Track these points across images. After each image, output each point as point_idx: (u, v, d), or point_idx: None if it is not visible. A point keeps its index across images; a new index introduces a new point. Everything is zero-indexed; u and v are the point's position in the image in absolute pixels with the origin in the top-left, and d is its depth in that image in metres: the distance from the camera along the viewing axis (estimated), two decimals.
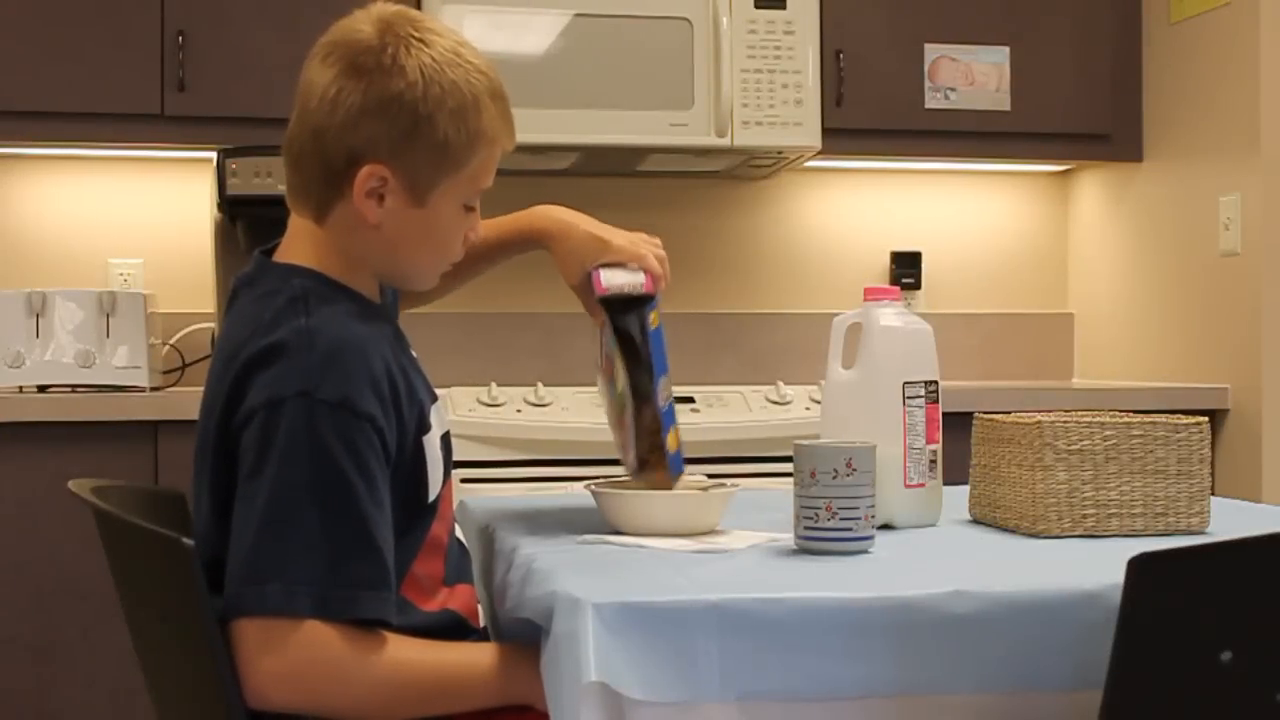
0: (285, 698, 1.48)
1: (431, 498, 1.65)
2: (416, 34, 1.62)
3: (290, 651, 1.47)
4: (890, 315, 1.92)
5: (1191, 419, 1.82)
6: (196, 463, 1.64)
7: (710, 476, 2.01)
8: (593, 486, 1.83)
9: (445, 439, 1.71)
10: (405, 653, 1.53)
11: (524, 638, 1.53)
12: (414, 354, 1.75)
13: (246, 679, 1.48)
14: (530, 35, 3.38)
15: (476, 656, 1.58)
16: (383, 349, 1.60)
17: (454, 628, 1.68)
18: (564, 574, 1.49)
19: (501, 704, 1.56)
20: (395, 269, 1.71)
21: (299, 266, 1.67)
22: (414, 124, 1.59)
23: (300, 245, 1.71)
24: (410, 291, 1.84)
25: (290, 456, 1.49)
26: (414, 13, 1.66)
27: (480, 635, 1.73)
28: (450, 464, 1.72)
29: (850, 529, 1.63)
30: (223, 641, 1.48)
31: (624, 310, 1.83)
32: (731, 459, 3.15)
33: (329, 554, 1.48)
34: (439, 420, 1.70)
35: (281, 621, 1.47)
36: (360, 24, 1.63)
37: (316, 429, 1.49)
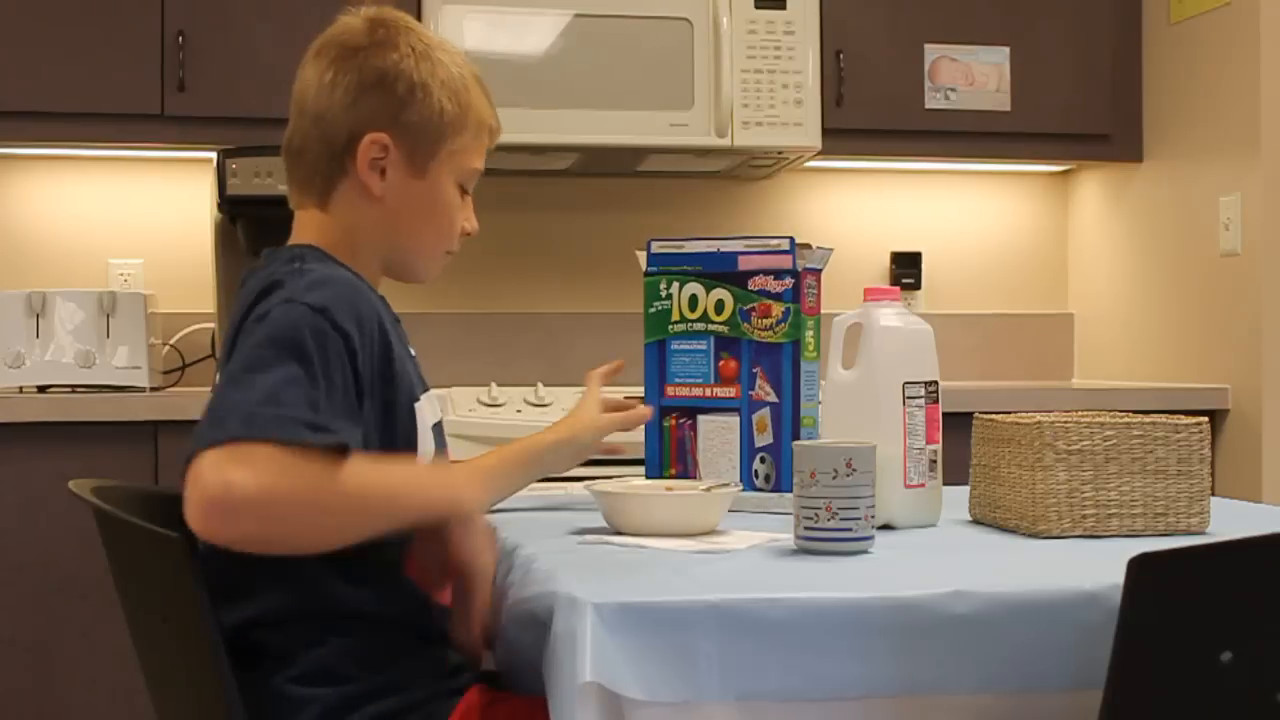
0: (252, 506, 1.40)
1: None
2: (403, 23, 1.72)
3: (263, 460, 1.40)
4: (890, 315, 1.92)
5: (1191, 419, 1.82)
6: None
7: None
8: (593, 486, 1.83)
9: (438, 428, 1.73)
10: (359, 465, 1.49)
11: (525, 640, 1.53)
12: (412, 351, 1.75)
13: (200, 504, 1.39)
14: (530, 35, 3.38)
15: (426, 468, 1.63)
16: (373, 301, 1.63)
17: (422, 601, 1.68)
18: (564, 574, 1.49)
19: (448, 511, 1.57)
20: (398, 249, 1.73)
21: (301, 243, 1.73)
22: (410, 91, 1.67)
23: (304, 231, 1.75)
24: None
25: (269, 337, 1.49)
26: (397, 11, 1.74)
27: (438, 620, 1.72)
28: (444, 453, 1.74)
29: (850, 529, 1.63)
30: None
31: None
32: None
33: (292, 399, 1.45)
34: (430, 407, 1.72)
35: (242, 445, 1.40)
36: (348, 20, 1.73)
37: (295, 323, 1.51)
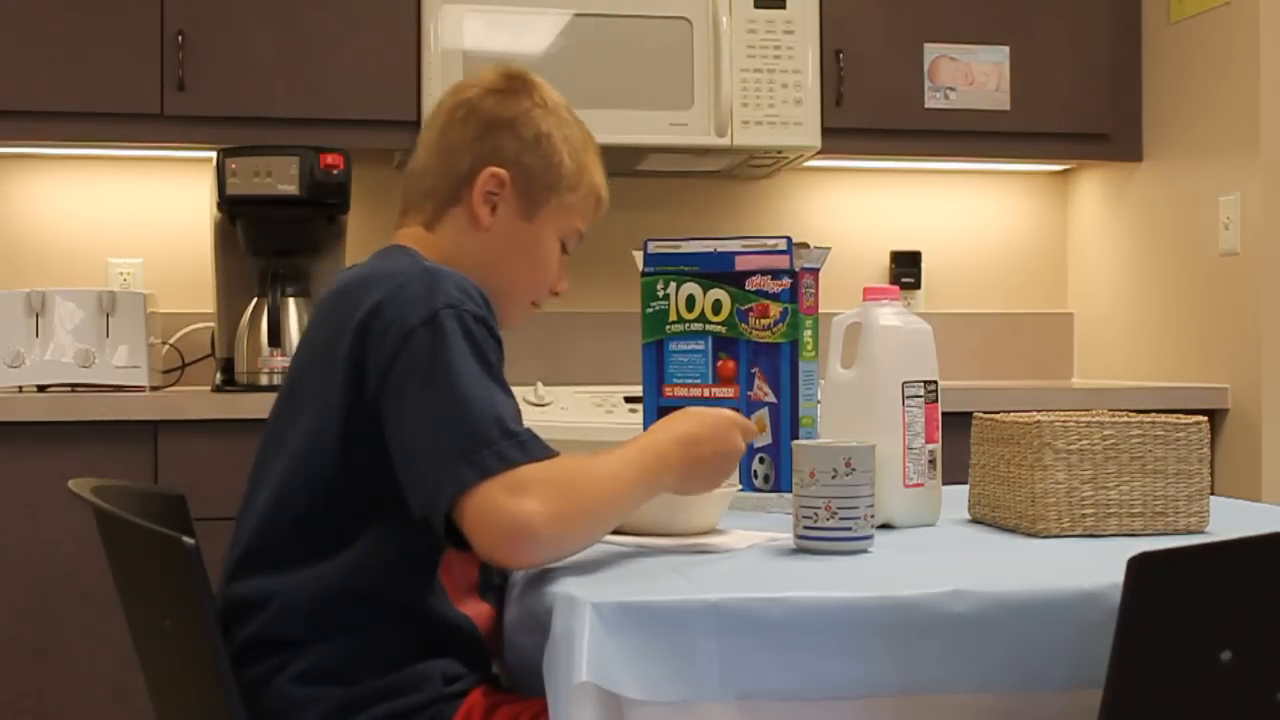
0: (552, 522, 1.48)
1: None
2: (535, 80, 1.84)
3: (539, 484, 1.48)
4: (890, 315, 1.92)
5: (1191, 419, 1.82)
6: (286, 411, 1.68)
7: None
8: None
9: None
10: (594, 463, 1.57)
11: (527, 642, 1.53)
12: None
13: (506, 541, 1.47)
14: (530, 35, 3.38)
15: (640, 441, 1.62)
16: (490, 305, 1.67)
17: (469, 640, 1.69)
18: (563, 573, 1.50)
19: (682, 485, 1.64)
20: (488, 286, 1.73)
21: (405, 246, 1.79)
22: (536, 138, 1.79)
23: (406, 243, 1.81)
24: None
25: (463, 352, 1.55)
26: (530, 71, 1.86)
27: (484, 663, 1.73)
28: None
29: (849, 528, 1.63)
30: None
31: None
32: None
33: (517, 415, 1.55)
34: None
35: (509, 473, 1.48)
36: (484, 72, 1.85)
37: (471, 332, 1.57)
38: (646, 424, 2.08)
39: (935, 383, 1.93)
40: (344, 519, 1.61)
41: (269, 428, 1.71)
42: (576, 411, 3.22)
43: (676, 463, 1.62)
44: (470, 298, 1.60)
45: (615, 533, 1.75)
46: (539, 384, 3.31)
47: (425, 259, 1.70)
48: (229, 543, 1.70)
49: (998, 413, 1.95)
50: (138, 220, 3.67)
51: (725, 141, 3.44)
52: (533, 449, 1.52)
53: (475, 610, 1.73)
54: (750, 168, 3.75)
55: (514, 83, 1.82)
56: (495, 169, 1.77)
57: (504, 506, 1.47)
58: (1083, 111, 3.75)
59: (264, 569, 1.62)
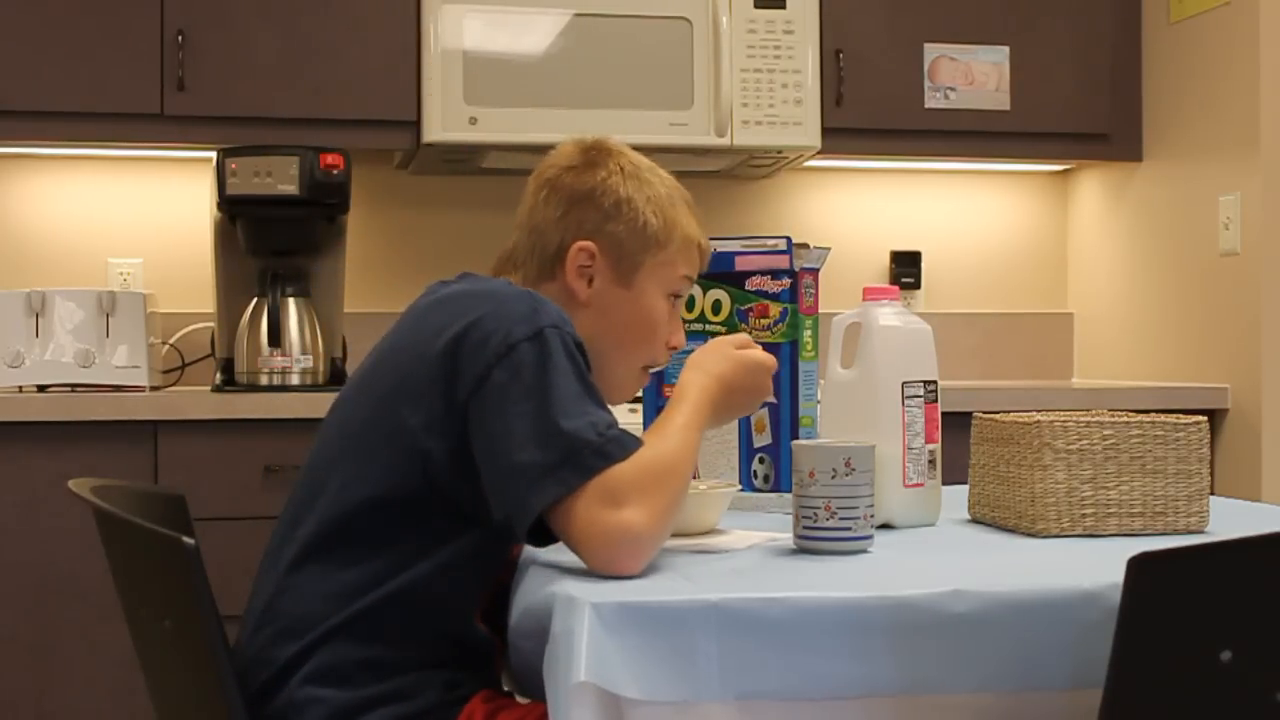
0: (653, 523, 1.52)
1: None
2: (615, 147, 1.86)
3: (636, 487, 1.53)
4: (889, 315, 1.92)
5: (1191, 419, 1.82)
6: (349, 401, 1.72)
7: None
8: None
9: None
10: (663, 442, 1.61)
11: (528, 645, 1.53)
12: None
13: (617, 542, 1.50)
14: (530, 35, 3.38)
15: (687, 392, 1.69)
16: None
17: (485, 655, 1.71)
18: (563, 573, 1.50)
19: (718, 418, 1.73)
20: (599, 357, 1.75)
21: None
22: (616, 206, 1.79)
23: None
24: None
25: (566, 368, 1.59)
26: (612, 138, 1.88)
27: (490, 679, 1.74)
28: None
29: (849, 528, 1.63)
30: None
31: None
32: None
33: (606, 416, 1.59)
34: None
35: (604, 477, 1.52)
36: (564, 146, 1.87)
37: (573, 352, 1.62)
38: (646, 424, 2.08)
39: (935, 383, 1.93)
40: (417, 526, 1.62)
41: (333, 425, 1.72)
42: None
43: (718, 402, 1.70)
44: (569, 323, 1.64)
45: None
46: None
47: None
48: (280, 534, 1.71)
49: (998, 413, 1.95)
50: (138, 220, 3.67)
51: (725, 141, 3.44)
52: (627, 443, 1.56)
53: (485, 630, 1.74)
54: (750, 168, 3.75)
55: (590, 154, 1.83)
56: (583, 243, 1.78)
57: (607, 520, 1.50)
58: (1083, 111, 3.74)
59: (316, 565, 1.63)
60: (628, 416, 3.17)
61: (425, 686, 1.62)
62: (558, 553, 1.62)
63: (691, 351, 2.01)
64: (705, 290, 2.03)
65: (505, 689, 1.75)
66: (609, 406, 1.63)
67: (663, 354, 1.86)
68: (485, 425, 1.57)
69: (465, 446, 1.59)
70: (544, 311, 1.62)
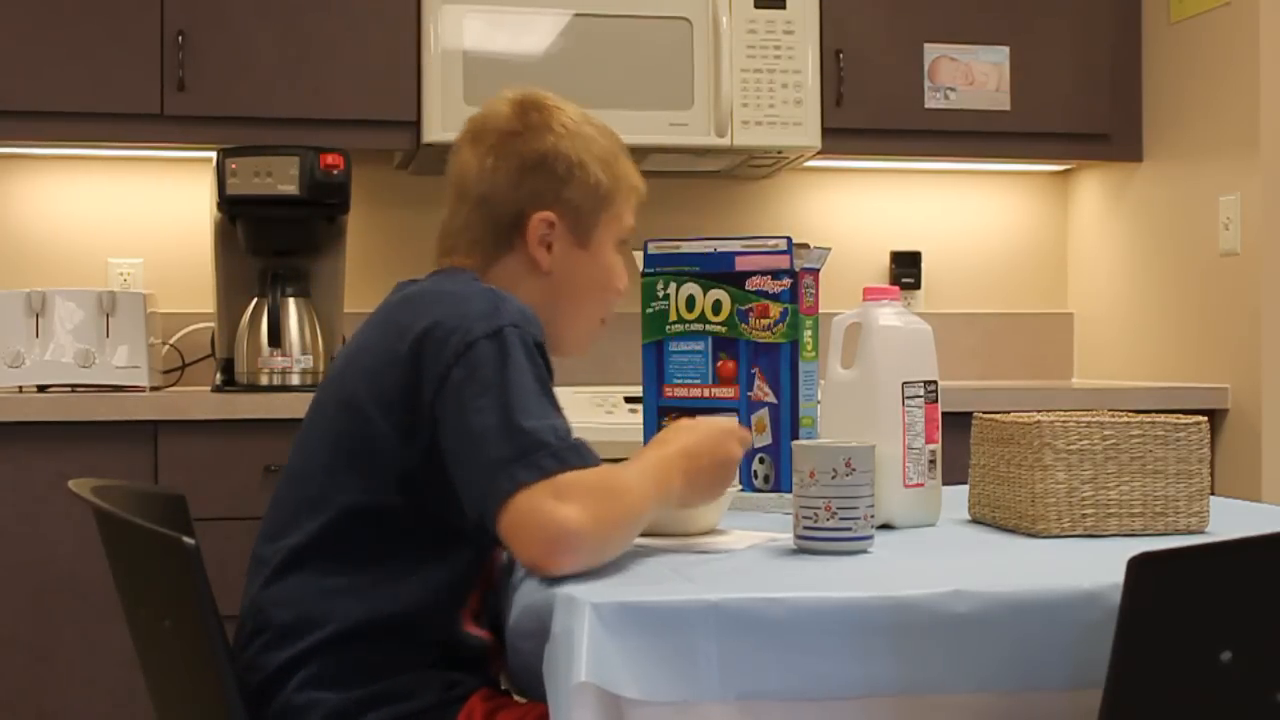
0: (594, 528, 1.50)
1: None
2: (550, 103, 1.83)
3: (584, 491, 1.51)
4: (890, 315, 1.92)
5: (1191, 419, 1.82)
6: (327, 411, 1.70)
7: None
8: None
9: None
10: (622, 468, 1.60)
11: (528, 645, 1.53)
12: None
13: (543, 545, 1.48)
14: (530, 35, 3.38)
15: (648, 454, 1.66)
16: None
17: (478, 657, 1.71)
18: None
19: (686, 496, 1.67)
20: (557, 319, 1.78)
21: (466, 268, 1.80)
22: (569, 170, 1.79)
23: None
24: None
25: (524, 367, 1.59)
26: (540, 91, 1.84)
27: (487, 672, 1.74)
28: None
29: (849, 529, 1.63)
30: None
31: None
32: None
33: (559, 424, 1.58)
34: None
35: (556, 477, 1.51)
36: (497, 106, 1.83)
37: (532, 352, 1.61)
38: (647, 424, 2.08)
39: (935, 383, 1.93)
40: (394, 534, 1.63)
41: (312, 435, 1.72)
42: (576, 411, 3.21)
43: (680, 475, 1.65)
44: (531, 322, 1.64)
45: None
46: None
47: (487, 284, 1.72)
48: (266, 539, 1.70)
49: (998, 413, 1.95)
50: (138, 220, 3.67)
51: (725, 141, 3.44)
52: (585, 454, 1.55)
53: (478, 634, 1.74)
54: (750, 168, 3.75)
55: (530, 116, 1.81)
56: (543, 214, 1.78)
57: (547, 510, 1.49)
58: (1083, 111, 3.74)
59: (304, 573, 1.63)
60: (627, 416, 3.19)
61: (424, 686, 1.62)
62: None
63: (692, 353, 2.01)
64: (705, 290, 2.03)
65: (503, 688, 1.75)
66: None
67: (613, 302, 1.89)
68: (449, 425, 1.57)
69: (439, 450, 1.59)
70: (504, 310, 1.62)
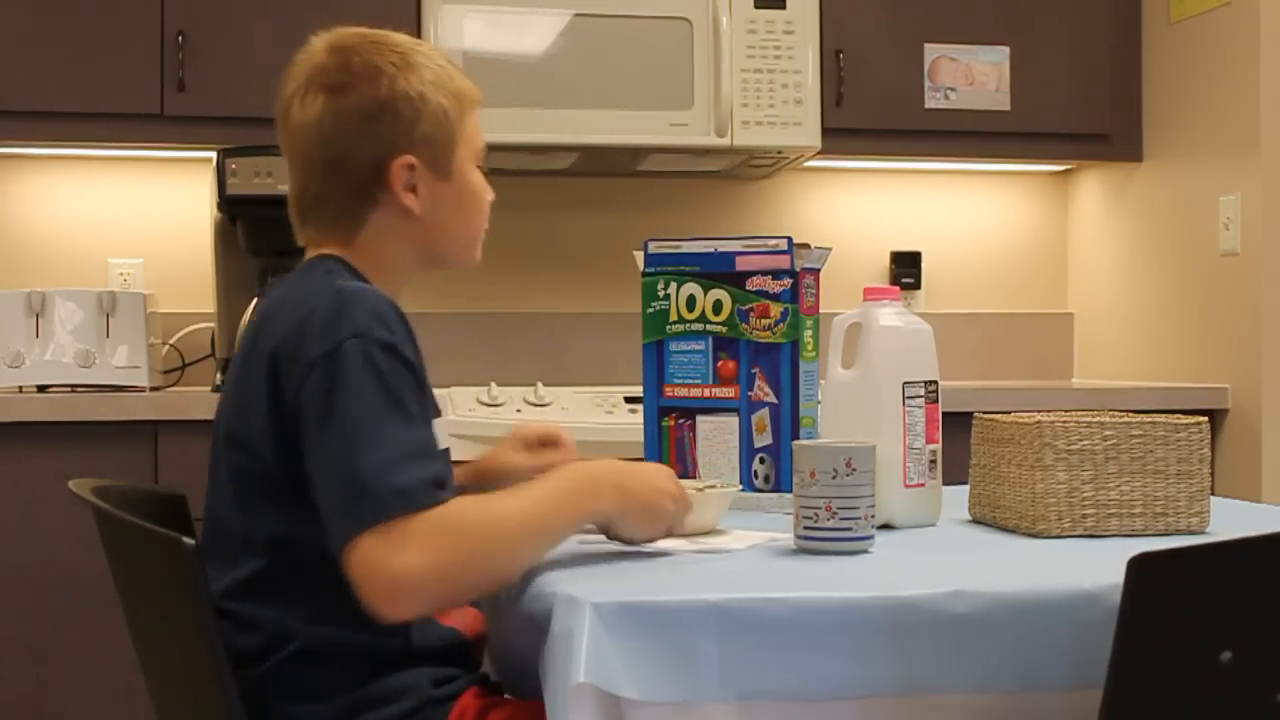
0: (431, 577, 1.45)
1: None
2: (369, 39, 1.72)
3: (421, 535, 1.44)
4: (890, 315, 1.92)
5: (1191, 419, 1.82)
6: (220, 449, 1.64)
7: None
8: None
9: (446, 453, 1.71)
10: (496, 503, 1.54)
11: (524, 643, 1.53)
12: None
13: (382, 596, 1.44)
14: (530, 35, 3.38)
15: (550, 483, 1.59)
16: (408, 324, 1.63)
17: (456, 649, 1.69)
18: (563, 574, 1.50)
19: (590, 519, 1.61)
20: (441, 249, 1.75)
21: (327, 257, 1.73)
22: (414, 107, 1.69)
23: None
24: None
25: (360, 388, 1.50)
26: (353, 30, 1.75)
27: (472, 664, 1.72)
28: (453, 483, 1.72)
29: (850, 529, 1.63)
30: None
31: None
32: None
33: (413, 455, 1.50)
34: (442, 432, 1.70)
35: (392, 523, 1.44)
36: (314, 56, 1.72)
37: (375, 363, 1.52)
38: (647, 424, 2.08)
39: (935, 383, 1.93)
40: (327, 557, 1.54)
41: (214, 464, 1.66)
42: (577, 412, 3.22)
43: (610, 489, 1.60)
44: (381, 322, 1.54)
45: None
46: (539, 384, 3.31)
47: (344, 275, 1.66)
48: (208, 558, 1.66)
49: (998, 413, 1.95)
50: (138, 220, 3.67)
51: (725, 142, 3.44)
52: (418, 497, 1.46)
53: (460, 616, 1.72)
54: (750, 168, 3.75)
55: (354, 61, 1.69)
56: (400, 159, 1.68)
57: (380, 562, 1.43)
58: (1083, 111, 3.75)
59: (253, 603, 1.60)
60: (627, 416, 3.19)
61: (411, 685, 1.60)
62: (555, 550, 1.62)
63: (692, 353, 2.01)
64: (706, 290, 2.03)
65: (492, 679, 1.74)
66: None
67: (487, 210, 1.80)
68: (305, 455, 1.52)
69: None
70: (346, 318, 1.53)
